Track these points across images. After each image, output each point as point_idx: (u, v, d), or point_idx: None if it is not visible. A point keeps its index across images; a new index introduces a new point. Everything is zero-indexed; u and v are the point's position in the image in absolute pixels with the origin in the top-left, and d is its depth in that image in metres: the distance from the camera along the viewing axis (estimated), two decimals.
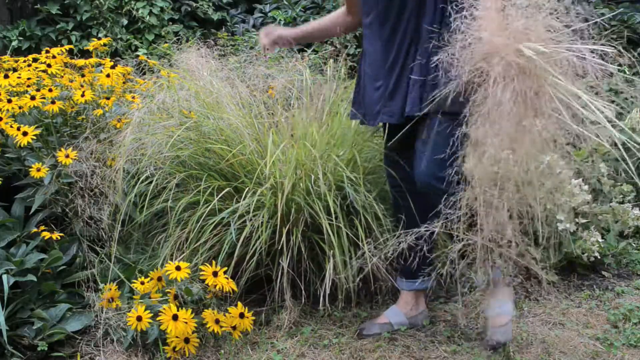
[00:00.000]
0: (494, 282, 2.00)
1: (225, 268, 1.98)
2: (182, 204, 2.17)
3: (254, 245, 2.04)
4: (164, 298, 1.96)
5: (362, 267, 2.09)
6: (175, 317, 1.82)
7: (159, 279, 2.01)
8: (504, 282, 1.99)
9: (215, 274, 1.93)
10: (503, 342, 1.89)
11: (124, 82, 2.59)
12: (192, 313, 1.86)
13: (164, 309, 1.84)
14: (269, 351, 1.95)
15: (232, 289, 1.96)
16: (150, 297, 1.97)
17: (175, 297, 1.96)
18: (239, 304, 1.97)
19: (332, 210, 2.03)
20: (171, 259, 2.06)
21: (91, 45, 2.74)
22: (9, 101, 2.23)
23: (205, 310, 1.96)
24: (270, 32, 2.28)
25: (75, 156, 2.16)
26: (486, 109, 1.45)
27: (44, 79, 2.44)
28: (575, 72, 1.44)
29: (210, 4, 5.59)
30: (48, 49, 2.67)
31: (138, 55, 4.08)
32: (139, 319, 1.83)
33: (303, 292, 2.14)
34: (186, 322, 1.83)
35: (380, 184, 2.28)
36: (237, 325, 1.94)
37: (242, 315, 1.95)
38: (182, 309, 1.87)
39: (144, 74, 3.13)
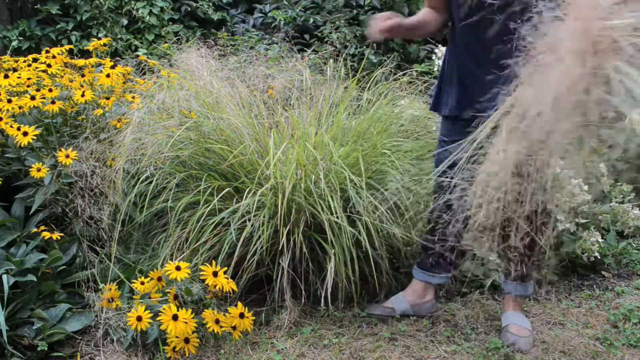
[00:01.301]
0: (526, 294, 2.10)
1: (225, 268, 1.98)
2: (182, 204, 2.17)
3: (254, 245, 2.04)
4: (164, 298, 1.96)
5: (363, 267, 2.10)
6: (175, 317, 1.82)
7: (159, 279, 2.01)
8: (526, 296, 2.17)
9: (215, 274, 1.93)
10: (525, 351, 1.96)
11: (124, 82, 2.59)
12: (192, 313, 1.86)
13: (164, 309, 1.84)
14: (269, 351, 1.95)
15: (232, 289, 1.96)
16: (150, 297, 1.97)
17: (175, 297, 1.96)
18: (239, 304, 1.97)
19: (333, 210, 2.03)
20: (171, 259, 2.06)
21: (91, 45, 2.74)
22: (9, 101, 2.23)
23: (205, 310, 1.96)
24: (389, 17, 2.07)
25: (75, 156, 2.16)
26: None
27: (44, 79, 2.44)
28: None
29: (210, 4, 5.59)
30: (48, 49, 2.66)
31: (138, 55, 4.08)
32: (139, 319, 1.83)
33: (303, 292, 2.14)
34: (186, 322, 1.83)
35: (382, 184, 2.28)
36: (237, 325, 1.94)
37: (242, 315, 1.95)
38: (182, 309, 1.87)
39: (144, 74, 3.13)
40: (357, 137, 2.32)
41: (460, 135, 2.00)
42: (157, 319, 1.84)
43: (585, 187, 2.57)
